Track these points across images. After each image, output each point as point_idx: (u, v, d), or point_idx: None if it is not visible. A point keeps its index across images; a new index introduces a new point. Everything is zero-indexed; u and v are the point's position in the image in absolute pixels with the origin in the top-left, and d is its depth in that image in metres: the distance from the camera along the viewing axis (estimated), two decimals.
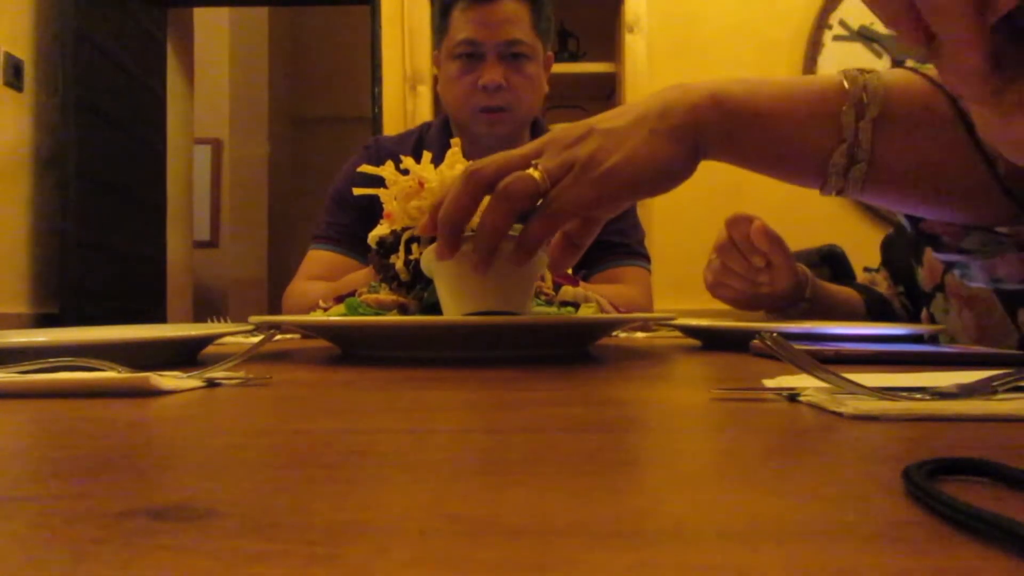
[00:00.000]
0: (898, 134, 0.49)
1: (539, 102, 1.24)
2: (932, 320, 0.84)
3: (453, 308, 0.55)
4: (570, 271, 0.74)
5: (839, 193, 0.51)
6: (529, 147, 0.52)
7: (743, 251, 0.84)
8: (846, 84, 0.50)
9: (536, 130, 1.28)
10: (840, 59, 2.45)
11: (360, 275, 0.98)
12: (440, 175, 0.62)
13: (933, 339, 0.79)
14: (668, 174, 0.51)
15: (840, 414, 0.27)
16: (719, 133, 0.51)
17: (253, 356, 0.43)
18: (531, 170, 0.50)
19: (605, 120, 0.52)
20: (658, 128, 0.50)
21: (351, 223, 1.19)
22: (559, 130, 0.53)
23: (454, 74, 1.18)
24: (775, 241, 0.83)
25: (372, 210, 0.82)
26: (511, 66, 1.16)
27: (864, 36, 2.49)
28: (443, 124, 1.28)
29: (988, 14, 0.28)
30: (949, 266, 0.59)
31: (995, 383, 0.30)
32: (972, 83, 0.31)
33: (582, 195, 0.49)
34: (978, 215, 0.52)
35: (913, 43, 0.30)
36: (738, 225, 0.84)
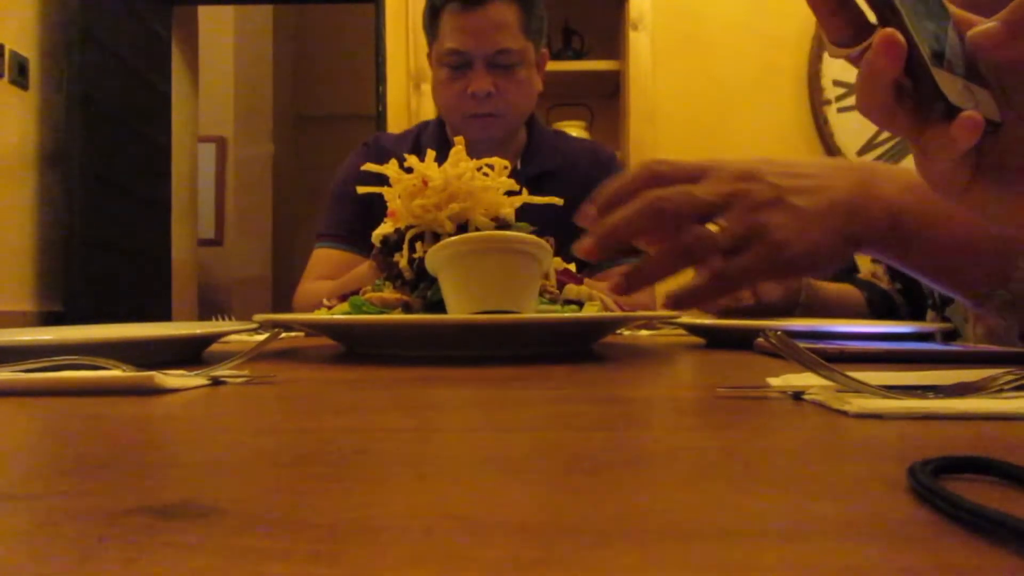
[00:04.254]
0: None
1: (532, 103, 1.22)
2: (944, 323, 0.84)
3: (457, 306, 0.55)
4: (574, 268, 0.74)
5: (986, 312, 0.56)
6: (718, 190, 0.51)
7: None
8: None
9: (532, 129, 1.26)
10: None
11: (362, 270, 0.98)
12: (443, 173, 0.62)
13: (948, 337, 0.78)
14: (830, 268, 0.54)
15: (845, 412, 0.27)
16: (887, 250, 0.54)
17: (257, 354, 0.43)
18: (715, 227, 0.50)
19: (796, 191, 0.51)
20: (840, 229, 0.52)
21: (354, 219, 1.18)
22: (748, 177, 0.51)
23: (443, 80, 1.16)
24: None
25: (373, 206, 0.82)
26: (500, 74, 1.13)
27: None
28: (439, 123, 1.27)
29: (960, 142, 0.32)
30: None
31: (1000, 381, 0.30)
32: (942, 182, 0.36)
33: (754, 274, 0.51)
34: None
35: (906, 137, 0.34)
36: None
